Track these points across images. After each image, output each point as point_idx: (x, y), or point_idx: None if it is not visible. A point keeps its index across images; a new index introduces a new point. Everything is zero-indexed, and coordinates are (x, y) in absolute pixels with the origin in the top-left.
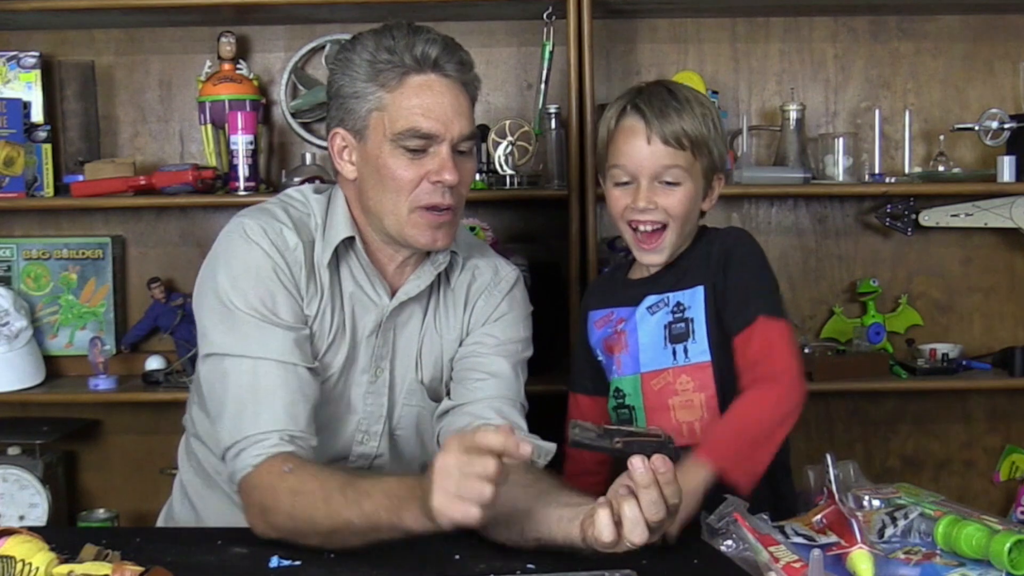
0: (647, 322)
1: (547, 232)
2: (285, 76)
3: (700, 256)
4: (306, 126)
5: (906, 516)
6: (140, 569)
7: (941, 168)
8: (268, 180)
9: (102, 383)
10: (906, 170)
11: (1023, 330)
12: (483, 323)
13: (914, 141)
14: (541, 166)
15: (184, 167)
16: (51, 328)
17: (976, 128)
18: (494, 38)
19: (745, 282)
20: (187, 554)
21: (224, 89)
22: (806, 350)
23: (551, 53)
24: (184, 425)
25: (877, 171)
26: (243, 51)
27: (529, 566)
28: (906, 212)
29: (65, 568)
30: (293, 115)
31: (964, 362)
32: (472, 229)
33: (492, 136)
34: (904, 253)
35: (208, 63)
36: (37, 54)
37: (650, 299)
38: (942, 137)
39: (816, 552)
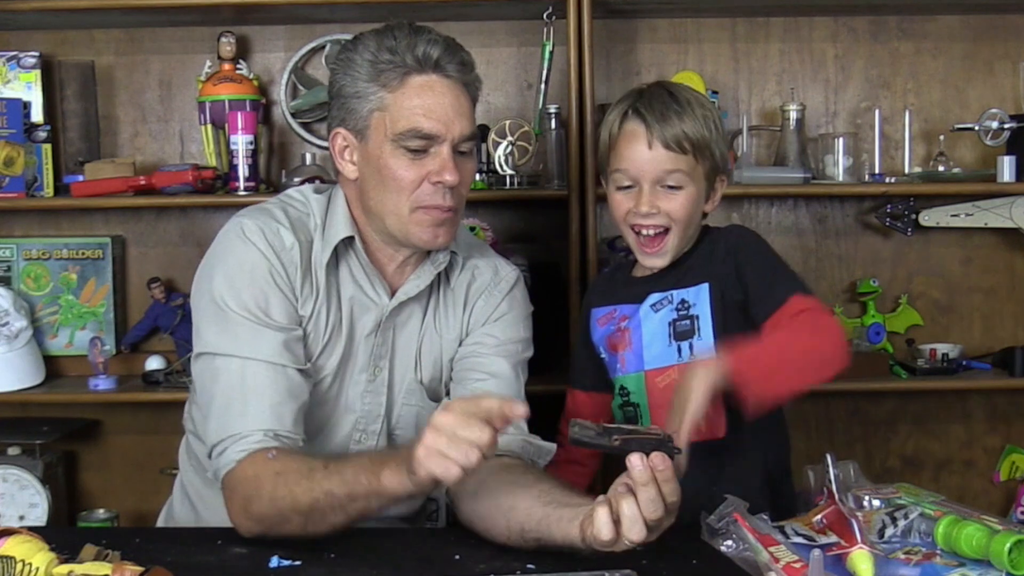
0: (651, 319)
1: (547, 232)
2: (285, 76)
3: (704, 254)
4: (306, 126)
5: (906, 516)
6: (140, 569)
7: (941, 168)
8: (268, 180)
9: (102, 383)
10: (906, 170)
11: (1023, 330)
12: (483, 323)
13: (914, 141)
14: (541, 166)
15: (184, 167)
16: (51, 328)
17: (976, 128)
18: (494, 38)
19: (765, 272)
20: (187, 554)
21: (224, 89)
22: None
23: (551, 53)
24: (184, 425)
25: (877, 171)
26: (243, 51)
27: (529, 566)
28: (906, 212)
29: (65, 568)
30: (293, 115)
31: (964, 362)
32: (472, 229)
33: (492, 136)
34: (904, 253)
35: (208, 63)
36: (37, 54)
37: (654, 296)
38: (942, 137)
39: (816, 552)
